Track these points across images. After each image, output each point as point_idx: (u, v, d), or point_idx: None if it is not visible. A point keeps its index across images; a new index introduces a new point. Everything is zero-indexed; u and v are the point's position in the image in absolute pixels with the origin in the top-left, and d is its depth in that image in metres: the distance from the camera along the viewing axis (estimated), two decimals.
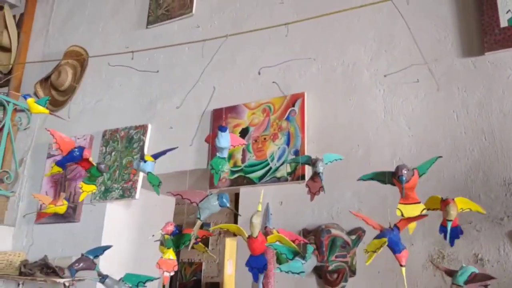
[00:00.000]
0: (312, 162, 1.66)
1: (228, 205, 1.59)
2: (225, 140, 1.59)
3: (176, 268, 1.49)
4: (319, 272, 2.32)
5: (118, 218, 3.24)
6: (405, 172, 1.40)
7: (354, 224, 2.31)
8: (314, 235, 2.34)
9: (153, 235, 1.63)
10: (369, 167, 2.32)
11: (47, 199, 1.70)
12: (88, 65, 3.65)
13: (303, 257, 1.59)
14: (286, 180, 2.57)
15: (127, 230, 3.30)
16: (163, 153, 1.80)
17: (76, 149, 1.53)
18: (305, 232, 2.41)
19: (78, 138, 3.45)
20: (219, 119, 2.92)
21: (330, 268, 2.25)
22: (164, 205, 3.65)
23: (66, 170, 3.32)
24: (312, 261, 1.64)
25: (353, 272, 2.27)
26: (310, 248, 1.66)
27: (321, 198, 2.38)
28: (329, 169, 2.26)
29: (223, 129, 1.58)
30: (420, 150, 2.26)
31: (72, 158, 1.56)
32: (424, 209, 1.46)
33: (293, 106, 2.69)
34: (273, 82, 2.75)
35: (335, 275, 2.26)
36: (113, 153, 3.25)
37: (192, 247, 1.75)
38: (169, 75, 3.27)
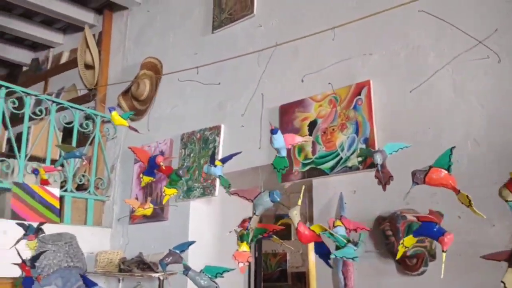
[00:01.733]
0: (372, 155, 1.70)
1: (278, 200, 1.69)
2: (278, 141, 1.68)
3: (250, 260, 1.62)
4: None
5: (200, 215, 3.45)
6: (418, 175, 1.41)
7: (431, 208, 2.28)
8: (389, 222, 2.35)
9: (230, 232, 1.77)
10: (441, 148, 2.27)
11: (136, 203, 1.90)
12: (163, 73, 3.90)
13: (355, 244, 1.67)
14: (358, 168, 2.60)
15: (209, 225, 3.51)
16: (230, 157, 1.93)
17: (151, 158, 1.70)
18: (380, 219, 2.43)
19: (160, 143, 3.72)
20: (287, 114, 3.00)
21: (409, 253, 2.25)
22: (242, 200, 3.81)
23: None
24: (362, 248, 1.71)
25: (432, 256, 2.26)
26: (363, 235, 1.72)
27: (395, 184, 2.39)
28: (401, 154, 2.26)
29: (273, 131, 1.67)
30: (494, 128, 2.18)
31: (152, 167, 1.73)
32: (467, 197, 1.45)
33: (359, 95, 2.70)
34: (329, 83, 2.78)
35: (414, 260, 2.26)
36: (191, 155, 3.47)
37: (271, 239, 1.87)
38: (236, 76, 3.41)
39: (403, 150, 1.90)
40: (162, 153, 3.67)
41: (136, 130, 2.49)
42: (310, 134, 2.87)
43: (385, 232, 2.36)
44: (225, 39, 3.59)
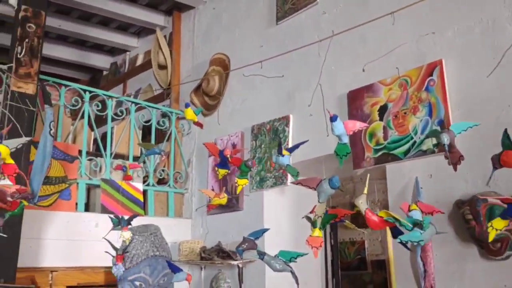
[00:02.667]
0: (438, 136, 1.65)
1: (338, 185, 1.70)
2: (337, 128, 1.69)
3: (322, 244, 1.66)
4: (481, 242, 2.24)
5: (274, 204, 3.53)
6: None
7: None
8: (469, 205, 2.27)
9: (302, 217, 1.81)
10: None
11: (212, 193, 2.01)
12: (231, 68, 4.01)
13: (421, 227, 1.65)
14: (433, 152, 2.52)
15: (283, 213, 3.57)
16: (297, 146, 1.97)
17: (221, 151, 1.79)
18: (459, 203, 2.34)
19: (231, 136, 3.83)
20: (355, 100, 2.97)
21: None
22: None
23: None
24: (431, 230, 1.68)
25: None
26: (427, 219, 1.68)
27: (474, 166, 2.30)
28: (479, 135, 2.16)
29: (333, 119, 1.68)
30: None
31: (223, 159, 1.82)
32: None
33: (431, 75, 2.60)
34: (396, 68, 2.70)
35: (498, 244, 2.16)
36: (262, 146, 3.55)
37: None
38: (302, 65, 3.42)
39: (482, 129, 1.83)
40: (234, 145, 3.80)
41: (200, 126, 2.60)
42: (381, 119, 2.82)
43: (465, 216, 2.28)
44: (289, 29, 3.61)
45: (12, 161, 1.52)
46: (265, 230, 1.86)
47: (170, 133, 4.24)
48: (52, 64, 5.84)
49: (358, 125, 1.76)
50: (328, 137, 3.00)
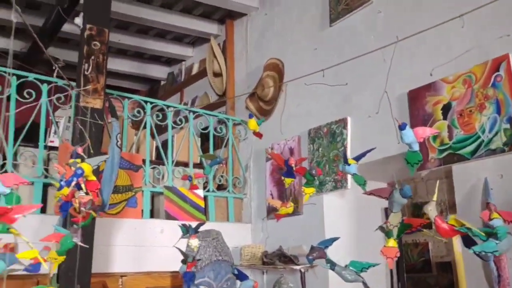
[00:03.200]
0: None
1: (410, 195, 1.66)
2: (407, 136, 1.63)
3: (398, 255, 1.62)
4: None
5: (335, 208, 3.49)
6: None
7: None
8: None
9: (376, 229, 1.79)
10: None
11: (278, 203, 2.03)
12: (285, 73, 4.02)
13: (497, 237, 1.57)
14: (503, 151, 2.40)
15: (344, 217, 3.53)
16: (363, 155, 1.94)
17: (286, 161, 1.80)
18: None
19: (288, 140, 3.84)
20: (416, 99, 2.88)
21: None
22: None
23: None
24: (508, 241, 1.60)
25: None
26: (502, 228, 1.60)
27: None
28: None
29: (402, 127, 1.63)
30: None
31: (288, 168, 1.84)
32: None
33: (498, 70, 2.48)
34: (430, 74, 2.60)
35: None
36: (320, 149, 3.52)
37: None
38: (359, 66, 3.36)
39: None
40: (291, 150, 3.80)
41: (260, 136, 2.63)
42: (445, 118, 2.72)
43: None
44: (344, 31, 3.57)
45: (94, 178, 1.61)
46: (335, 239, 1.85)
47: (228, 139, 4.31)
48: (113, 77, 6.13)
49: (428, 131, 1.70)
50: (390, 139, 2.94)
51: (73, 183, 1.53)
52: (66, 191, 1.58)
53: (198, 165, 4.17)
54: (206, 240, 3.56)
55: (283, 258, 3.39)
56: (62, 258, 1.75)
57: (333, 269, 1.74)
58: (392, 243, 1.65)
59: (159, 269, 3.57)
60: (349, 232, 3.48)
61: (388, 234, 1.67)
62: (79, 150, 1.76)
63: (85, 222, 1.90)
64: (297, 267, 3.25)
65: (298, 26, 4.05)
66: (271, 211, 3.85)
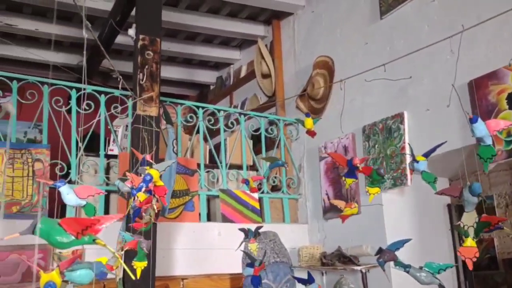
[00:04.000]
0: None
1: (479, 192, 1.56)
2: (479, 130, 1.54)
3: (477, 255, 1.54)
4: None
5: (394, 206, 3.39)
6: None
7: None
8: None
9: (450, 228, 1.71)
10: None
11: (342, 203, 1.99)
12: (335, 70, 3.95)
13: None
14: None
15: (405, 215, 3.41)
16: (433, 150, 1.86)
17: (348, 161, 1.75)
18: None
19: (341, 138, 3.77)
20: (478, 89, 2.74)
21: None
22: (439, 187, 3.61)
23: (339, 169, 3.68)
24: None
25: None
26: None
27: None
28: None
29: (473, 120, 1.54)
30: None
31: (351, 169, 1.79)
32: None
33: None
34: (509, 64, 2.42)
35: None
36: (376, 146, 3.43)
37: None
38: (413, 58, 3.25)
39: None
40: (345, 148, 3.73)
41: (313, 135, 2.59)
42: (510, 108, 2.57)
43: None
44: (395, 23, 3.46)
45: (162, 183, 1.64)
46: (407, 240, 1.79)
47: (279, 140, 4.29)
48: (164, 84, 6.26)
49: (502, 124, 1.60)
50: (451, 132, 2.82)
51: (143, 190, 1.57)
52: (143, 197, 1.62)
53: (252, 167, 4.19)
54: (263, 242, 3.57)
55: (342, 259, 3.33)
56: (144, 264, 1.82)
57: (407, 271, 1.68)
58: (470, 242, 1.56)
59: (218, 272, 3.60)
60: (410, 231, 3.36)
61: (465, 234, 1.59)
62: (148, 157, 1.80)
63: (146, 228, 1.95)
64: (358, 268, 3.18)
65: (347, 21, 3.98)
66: (328, 211, 3.79)
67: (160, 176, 1.73)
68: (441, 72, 3.03)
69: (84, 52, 1.92)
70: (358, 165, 1.73)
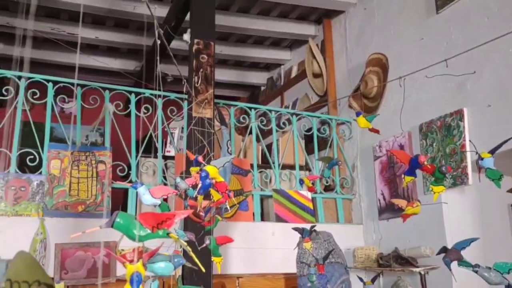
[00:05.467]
0: None
1: None
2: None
3: None
4: None
5: (454, 206, 3.27)
6: None
7: None
8: None
9: None
10: None
11: (404, 203, 1.95)
12: (390, 67, 3.87)
13: None
14: None
15: (466, 215, 3.28)
16: (499, 146, 1.79)
17: (412, 159, 1.71)
18: None
19: (397, 137, 3.69)
20: None
21: None
22: (504, 186, 3.45)
23: (395, 168, 3.60)
24: None
25: None
26: None
27: None
28: None
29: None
30: None
31: (413, 166, 1.75)
32: None
33: None
34: None
35: None
36: (434, 144, 3.33)
37: None
38: (473, 52, 3.12)
39: None
40: (401, 146, 3.64)
41: (377, 132, 2.55)
42: None
43: None
44: (453, 16, 3.34)
45: (222, 179, 1.68)
46: (474, 239, 1.73)
47: (332, 140, 4.26)
48: (216, 86, 6.38)
49: None
50: None
51: (199, 186, 1.60)
52: (217, 196, 1.68)
53: (304, 167, 4.18)
54: (318, 242, 3.55)
55: (400, 260, 3.25)
56: (221, 259, 1.91)
57: (475, 271, 1.62)
58: None
59: (273, 271, 3.63)
60: (472, 231, 3.22)
61: None
62: (200, 158, 1.85)
63: (209, 227, 2.00)
64: (417, 269, 3.09)
65: (400, 17, 3.88)
66: (384, 211, 3.72)
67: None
68: (503, 65, 2.89)
69: (144, 57, 2.00)
70: (425, 163, 1.69)
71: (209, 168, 1.61)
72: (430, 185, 1.89)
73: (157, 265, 1.24)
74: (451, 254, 1.65)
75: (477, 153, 1.75)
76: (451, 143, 3.17)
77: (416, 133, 3.52)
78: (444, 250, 1.69)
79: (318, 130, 4.24)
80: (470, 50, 3.11)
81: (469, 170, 2.98)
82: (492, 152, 1.76)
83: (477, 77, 3.07)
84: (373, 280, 2.54)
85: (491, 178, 1.74)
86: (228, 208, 2.21)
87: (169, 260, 1.26)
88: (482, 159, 1.73)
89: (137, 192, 1.41)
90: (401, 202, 1.90)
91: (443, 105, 3.32)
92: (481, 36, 3.00)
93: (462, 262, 1.67)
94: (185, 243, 1.38)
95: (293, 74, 5.53)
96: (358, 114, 2.32)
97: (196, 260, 1.46)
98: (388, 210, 3.63)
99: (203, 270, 1.57)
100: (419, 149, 3.45)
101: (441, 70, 3.21)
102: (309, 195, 3.93)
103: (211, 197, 1.82)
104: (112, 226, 1.14)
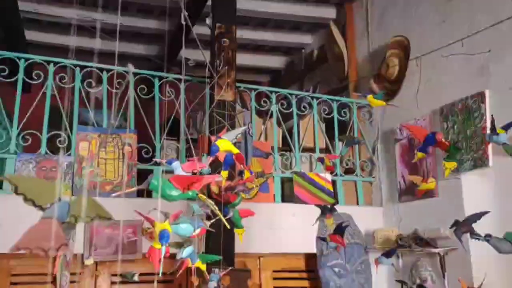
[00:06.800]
0: None
1: None
2: None
3: None
4: None
5: (474, 188, 3.27)
6: None
7: None
8: None
9: None
10: None
11: (419, 179, 1.99)
12: (411, 49, 3.85)
13: None
14: None
15: (486, 198, 3.27)
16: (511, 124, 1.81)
17: (429, 135, 1.74)
18: None
19: (418, 120, 3.69)
20: None
21: None
22: None
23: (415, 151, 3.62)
24: None
25: None
26: None
27: None
28: None
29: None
30: None
31: (427, 143, 1.78)
32: None
33: None
34: None
35: None
36: (455, 127, 3.33)
37: None
38: (495, 33, 3.10)
39: None
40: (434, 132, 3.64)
41: (395, 105, 2.55)
42: None
43: None
44: None
45: (237, 150, 1.73)
46: (484, 213, 1.77)
47: (352, 123, 4.28)
48: (237, 70, 6.44)
49: None
50: None
51: (210, 160, 1.65)
52: (247, 174, 1.75)
53: (324, 150, 4.22)
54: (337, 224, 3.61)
55: (419, 242, 3.28)
56: (243, 230, 2.01)
57: (487, 241, 1.67)
58: None
59: (293, 251, 3.71)
60: (493, 214, 3.22)
61: None
62: (213, 138, 1.92)
63: (234, 203, 2.09)
64: (436, 250, 3.13)
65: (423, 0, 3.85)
66: (404, 194, 3.74)
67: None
68: None
69: (166, 43, 2.07)
70: (442, 139, 1.72)
71: (220, 142, 1.66)
72: (443, 161, 1.91)
73: (179, 226, 1.34)
74: (463, 226, 1.69)
75: (492, 129, 1.77)
76: (472, 126, 3.17)
77: (437, 116, 3.52)
78: (456, 223, 1.74)
79: (339, 113, 4.26)
80: (493, 32, 3.09)
81: (490, 152, 2.98)
82: (505, 128, 1.78)
83: (499, 59, 3.05)
84: (387, 255, 2.58)
85: (509, 153, 1.77)
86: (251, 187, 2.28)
87: (191, 223, 1.36)
88: (497, 135, 1.75)
89: (162, 171, 1.50)
90: (416, 179, 1.94)
91: (464, 87, 3.31)
92: (504, 16, 2.97)
93: (474, 235, 1.71)
94: (212, 202, 1.47)
95: (314, 58, 5.54)
96: (366, 95, 2.34)
97: (222, 217, 1.55)
98: (409, 192, 3.65)
99: (228, 226, 1.66)
100: (441, 132, 3.44)
101: (463, 51, 3.21)
102: (329, 177, 3.98)
103: (236, 175, 1.89)
104: (148, 187, 1.25)
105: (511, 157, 1.75)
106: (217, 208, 1.52)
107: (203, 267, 1.75)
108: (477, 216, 1.74)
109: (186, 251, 1.55)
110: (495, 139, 1.76)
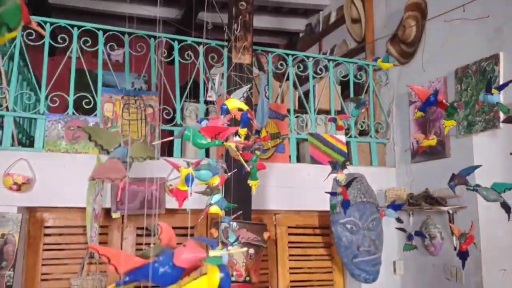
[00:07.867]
0: None
1: None
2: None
3: None
4: None
5: (485, 149, 3.34)
6: None
7: None
8: None
9: None
10: None
11: (421, 136, 2.10)
12: (429, 12, 3.85)
13: None
14: None
15: (496, 159, 3.35)
16: (506, 84, 1.88)
17: (431, 96, 1.83)
18: None
19: (433, 82, 3.73)
20: None
21: None
22: None
23: (428, 113, 3.68)
24: None
25: None
26: None
27: None
28: None
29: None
30: None
31: (429, 103, 1.88)
32: None
33: None
34: None
35: None
36: (468, 89, 3.37)
37: None
38: None
39: None
40: (436, 91, 3.69)
41: (399, 65, 2.61)
42: None
43: None
44: None
45: (246, 107, 1.84)
46: (477, 166, 1.89)
47: (368, 86, 4.34)
48: (254, 33, 6.46)
49: None
50: None
51: (222, 117, 1.78)
52: (264, 133, 1.90)
53: (339, 112, 4.31)
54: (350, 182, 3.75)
55: (429, 200, 3.41)
56: (257, 182, 2.20)
57: (476, 190, 1.79)
58: None
59: (307, 208, 3.89)
60: (502, 174, 3.32)
61: None
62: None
63: (252, 159, 2.26)
64: (445, 208, 3.25)
65: None
66: (416, 155, 3.84)
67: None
68: None
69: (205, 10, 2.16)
70: (443, 100, 1.82)
71: (229, 101, 1.80)
72: (443, 120, 2.01)
73: (200, 172, 1.55)
74: (457, 178, 1.81)
75: (487, 89, 1.85)
76: (485, 88, 3.20)
77: (452, 78, 3.56)
78: (452, 176, 1.85)
79: (355, 76, 4.32)
80: None
81: (501, 114, 3.04)
82: (499, 88, 1.86)
83: None
84: (393, 207, 2.72)
85: (503, 112, 1.85)
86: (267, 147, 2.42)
87: (210, 169, 1.55)
88: (491, 94, 1.83)
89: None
90: (419, 136, 2.05)
91: (479, 50, 3.33)
92: None
93: (468, 186, 1.83)
94: (234, 147, 1.63)
95: (332, 20, 5.53)
96: (375, 60, 2.43)
97: (241, 159, 1.73)
98: (421, 154, 3.75)
99: (248, 169, 1.85)
100: (454, 94, 3.50)
101: (477, 14, 3.21)
102: (343, 138, 4.09)
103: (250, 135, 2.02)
104: (182, 137, 1.48)
105: (504, 114, 1.83)
106: (239, 154, 1.68)
107: (218, 211, 1.92)
108: (471, 169, 1.85)
109: (215, 198, 1.78)
110: (488, 99, 1.84)
